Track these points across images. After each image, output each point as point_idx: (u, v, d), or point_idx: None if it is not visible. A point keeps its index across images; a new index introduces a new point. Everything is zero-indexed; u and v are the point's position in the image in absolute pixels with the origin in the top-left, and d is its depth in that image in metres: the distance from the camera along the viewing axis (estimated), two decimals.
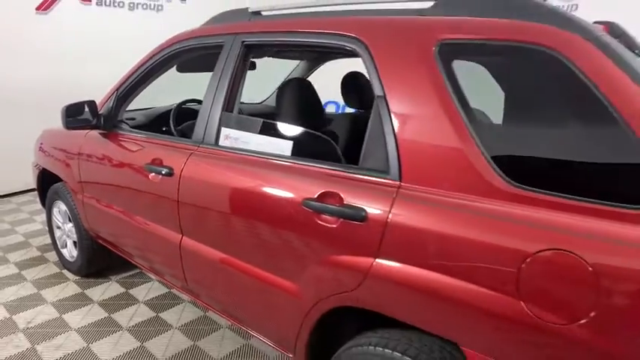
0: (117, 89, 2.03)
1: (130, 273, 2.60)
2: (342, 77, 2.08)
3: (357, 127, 1.78)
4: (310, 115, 1.68)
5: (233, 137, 1.52)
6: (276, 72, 2.68)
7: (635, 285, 0.78)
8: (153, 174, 1.70)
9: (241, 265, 1.45)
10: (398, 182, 1.08)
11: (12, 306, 2.24)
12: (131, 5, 4.35)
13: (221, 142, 1.54)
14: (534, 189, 0.91)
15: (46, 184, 2.56)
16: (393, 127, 1.11)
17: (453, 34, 1.07)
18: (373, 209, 1.09)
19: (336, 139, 1.92)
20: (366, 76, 1.22)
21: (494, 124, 1.34)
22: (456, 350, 1.02)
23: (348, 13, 1.35)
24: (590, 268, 0.81)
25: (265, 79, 2.65)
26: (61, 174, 2.35)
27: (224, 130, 1.54)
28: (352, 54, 1.26)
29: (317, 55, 2.51)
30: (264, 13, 1.63)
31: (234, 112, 1.56)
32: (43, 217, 3.08)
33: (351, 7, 1.37)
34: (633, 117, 0.84)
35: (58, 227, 2.60)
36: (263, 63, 2.45)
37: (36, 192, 2.78)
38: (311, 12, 1.45)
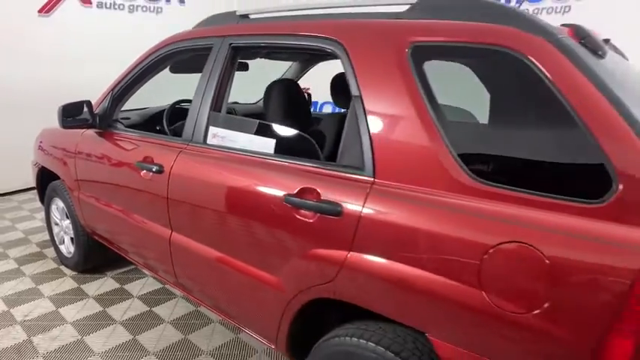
0: (112, 89, 2.09)
1: (126, 269, 2.66)
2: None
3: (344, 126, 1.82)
4: (295, 114, 1.73)
5: (220, 136, 1.57)
6: (272, 73, 2.73)
7: (586, 276, 0.82)
8: (144, 171, 1.75)
9: (227, 260, 1.49)
10: (372, 179, 1.13)
11: (10, 300, 2.30)
12: (131, 7, 4.43)
13: (209, 141, 1.59)
14: (497, 185, 0.96)
15: (45, 182, 2.63)
16: (367, 125, 1.16)
17: (425, 36, 1.12)
18: (348, 204, 1.13)
19: (324, 138, 1.97)
20: None
21: (462, 122, 1.38)
22: (428, 341, 1.06)
23: (329, 17, 1.40)
24: (546, 261, 0.86)
25: (260, 81, 2.70)
26: (59, 172, 2.41)
27: (212, 129, 1.59)
28: (332, 56, 1.31)
29: (303, 57, 2.56)
30: (251, 16, 1.68)
31: (222, 111, 1.61)
32: (43, 214, 3.14)
33: (334, 10, 1.42)
34: (590, 119, 0.88)
35: (56, 224, 2.66)
36: (259, 65, 2.50)
37: (36, 190, 2.85)
38: (294, 15, 1.50)
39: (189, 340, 1.99)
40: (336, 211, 1.14)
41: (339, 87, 2.13)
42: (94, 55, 4.08)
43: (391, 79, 1.13)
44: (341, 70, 1.25)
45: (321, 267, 1.19)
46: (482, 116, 1.40)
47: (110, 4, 4.31)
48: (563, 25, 1.11)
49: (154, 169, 1.69)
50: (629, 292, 0.78)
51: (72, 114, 2.02)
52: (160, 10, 4.61)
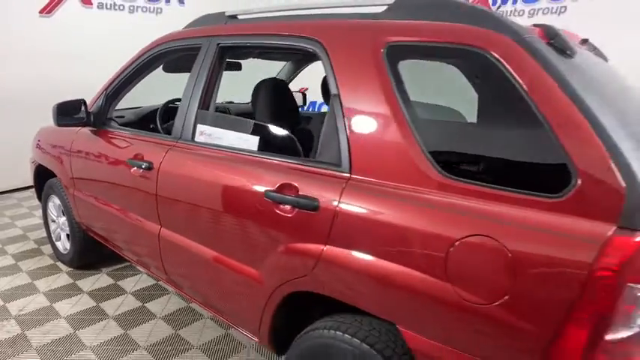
0: (106, 88, 2.13)
1: (121, 266, 2.70)
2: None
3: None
4: (282, 113, 1.77)
5: (207, 133, 1.61)
6: (269, 74, 2.77)
7: (545, 268, 0.85)
8: (135, 168, 1.79)
9: (212, 254, 1.53)
10: (348, 174, 1.16)
11: (6, 294, 2.35)
12: (131, 8, 4.49)
13: (197, 138, 1.62)
14: (466, 180, 0.98)
15: (43, 179, 2.68)
16: (345, 123, 1.19)
17: (399, 36, 1.15)
18: (325, 199, 1.16)
19: (312, 136, 2.00)
20: None
21: (435, 121, 1.40)
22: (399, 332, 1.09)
23: (311, 17, 1.43)
24: (509, 254, 0.88)
25: (255, 81, 2.74)
26: (55, 169, 2.46)
27: (200, 127, 1.63)
28: (313, 55, 1.34)
29: (291, 57, 2.59)
30: (240, 17, 1.71)
31: (210, 109, 1.65)
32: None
33: (316, 11, 1.45)
34: (551, 115, 0.90)
35: (53, 221, 2.71)
36: (255, 66, 2.54)
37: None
38: (279, 16, 1.54)
39: (180, 335, 2.02)
40: (313, 205, 1.18)
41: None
42: (95, 55, 4.14)
43: (367, 78, 1.17)
44: None
45: (298, 260, 1.22)
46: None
47: (110, 4, 4.37)
48: (534, 25, 1.14)
49: (143, 166, 1.73)
50: (585, 283, 0.80)
51: (67, 112, 2.06)
52: (159, 10, 4.67)
